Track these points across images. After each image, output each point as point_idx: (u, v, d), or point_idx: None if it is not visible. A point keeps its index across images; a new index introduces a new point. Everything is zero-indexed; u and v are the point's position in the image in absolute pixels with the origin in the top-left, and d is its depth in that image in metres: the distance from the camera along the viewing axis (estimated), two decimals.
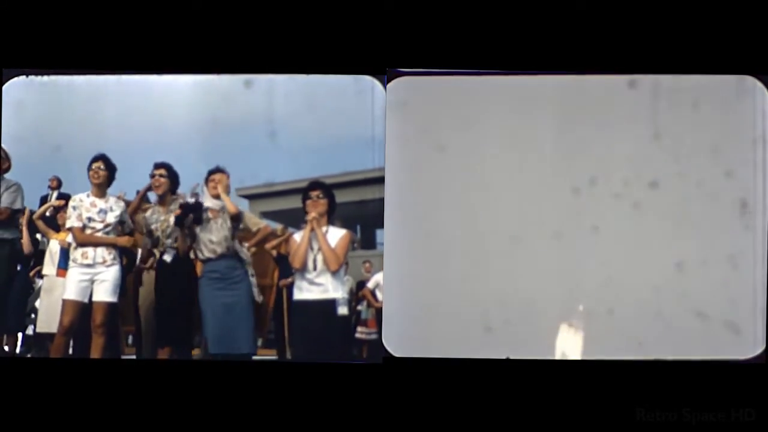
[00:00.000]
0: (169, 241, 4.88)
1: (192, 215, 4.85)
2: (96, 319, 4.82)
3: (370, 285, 4.83)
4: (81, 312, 4.82)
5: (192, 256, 4.89)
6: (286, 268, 4.89)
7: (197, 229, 4.87)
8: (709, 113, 4.60)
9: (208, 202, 4.88)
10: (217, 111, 4.75)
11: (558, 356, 4.57)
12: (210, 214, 4.88)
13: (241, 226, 4.90)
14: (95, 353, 4.78)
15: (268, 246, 4.93)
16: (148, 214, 4.92)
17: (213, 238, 4.88)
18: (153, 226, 4.90)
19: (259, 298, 4.89)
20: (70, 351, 4.79)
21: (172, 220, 4.87)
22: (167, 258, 4.89)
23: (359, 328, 4.84)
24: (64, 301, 4.82)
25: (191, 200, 4.85)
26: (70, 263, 4.86)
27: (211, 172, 4.85)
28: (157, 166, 4.86)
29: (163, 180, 4.88)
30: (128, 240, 4.90)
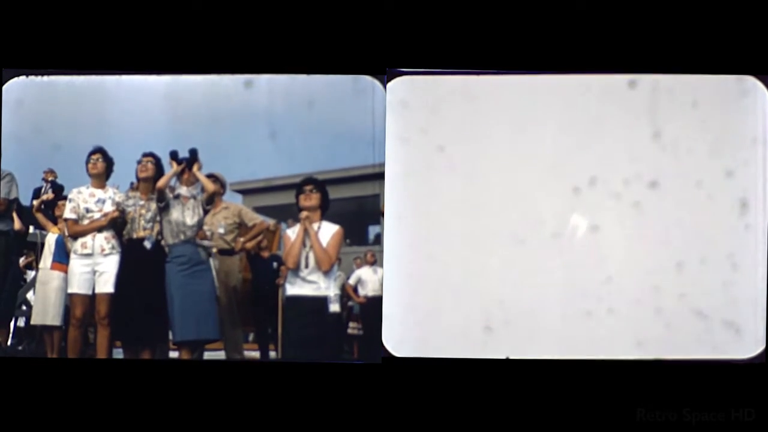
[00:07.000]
0: (149, 225, 4.86)
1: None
2: (100, 311, 4.82)
3: (351, 281, 4.84)
4: (89, 304, 4.83)
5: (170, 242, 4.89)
6: (264, 264, 4.88)
7: (171, 213, 4.87)
8: (709, 113, 4.60)
9: (180, 189, 4.88)
10: (218, 110, 4.75)
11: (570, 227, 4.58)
12: (182, 201, 4.87)
13: (238, 221, 4.90)
14: (102, 345, 4.77)
15: (253, 243, 4.89)
16: (123, 198, 4.89)
17: (188, 221, 4.86)
18: (129, 209, 4.87)
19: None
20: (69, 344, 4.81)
21: (153, 206, 4.86)
22: (147, 245, 4.87)
23: (350, 324, 4.85)
24: (71, 296, 4.83)
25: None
26: (72, 255, 4.86)
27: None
28: (146, 154, 4.85)
29: (150, 166, 4.86)
30: (115, 213, 4.88)
